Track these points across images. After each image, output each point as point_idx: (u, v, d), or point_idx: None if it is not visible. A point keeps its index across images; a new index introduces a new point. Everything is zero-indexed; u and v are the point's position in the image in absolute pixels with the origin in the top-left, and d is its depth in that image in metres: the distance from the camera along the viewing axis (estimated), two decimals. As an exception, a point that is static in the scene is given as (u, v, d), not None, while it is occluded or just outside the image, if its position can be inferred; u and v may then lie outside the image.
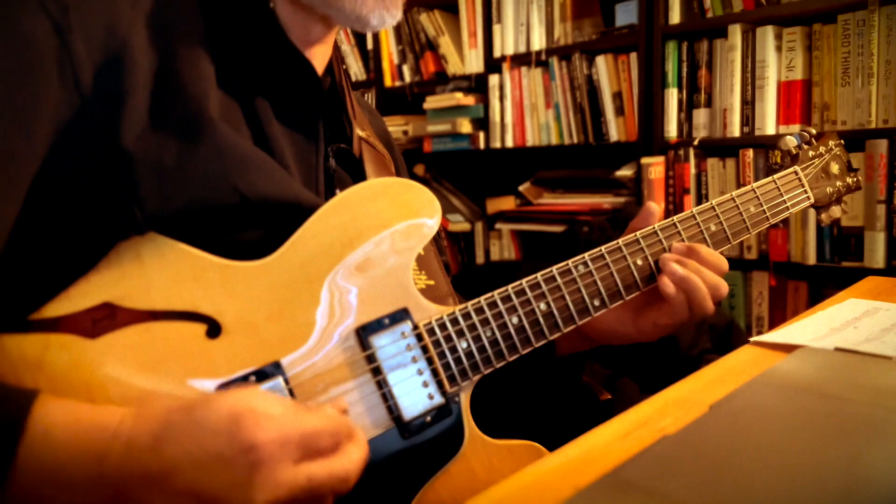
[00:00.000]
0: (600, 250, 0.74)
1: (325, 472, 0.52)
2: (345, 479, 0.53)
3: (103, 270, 0.56)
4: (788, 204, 0.86)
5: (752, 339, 0.75)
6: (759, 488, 0.44)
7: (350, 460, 0.54)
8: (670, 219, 0.77)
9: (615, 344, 0.84)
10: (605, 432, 0.56)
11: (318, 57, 0.73)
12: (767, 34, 1.80)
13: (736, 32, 1.85)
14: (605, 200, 2.19)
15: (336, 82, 0.76)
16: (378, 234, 0.65)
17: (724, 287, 0.76)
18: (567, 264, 0.72)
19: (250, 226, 0.61)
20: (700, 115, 1.97)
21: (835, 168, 0.91)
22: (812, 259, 1.78)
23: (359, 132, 0.78)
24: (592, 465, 0.50)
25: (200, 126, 0.59)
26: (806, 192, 0.88)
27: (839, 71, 1.72)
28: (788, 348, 0.71)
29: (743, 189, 0.82)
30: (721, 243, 0.80)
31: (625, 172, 2.12)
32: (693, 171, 1.97)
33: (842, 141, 0.94)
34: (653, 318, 0.78)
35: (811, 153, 0.90)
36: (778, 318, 1.89)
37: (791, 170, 0.88)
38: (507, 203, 2.50)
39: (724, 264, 0.77)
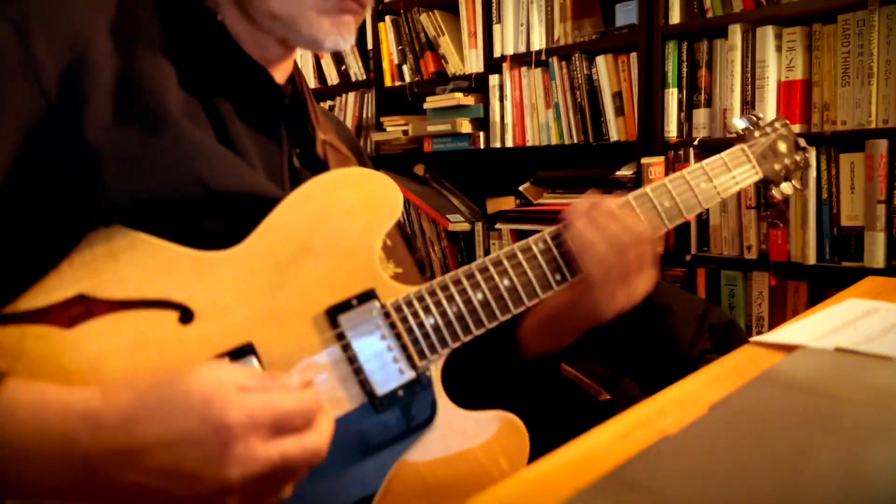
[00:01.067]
0: (558, 228, 0.77)
1: (299, 447, 0.53)
2: (317, 452, 0.55)
3: (76, 263, 0.58)
4: (738, 179, 0.90)
5: (752, 339, 0.75)
6: (759, 488, 0.44)
7: (322, 433, 0.55)
8: (626, 196, 0.80)
9: (572, 328, 0.82)
10: (605, 432, 0.56)
11: (279, 69, 0.75)
12: (767, 34, 1.80)
13: (736, 32, 1.85)
14: (605, 200, 2.19)
15: (298, 90, 0.78)
16: (342, 221, 0.67)
17: (633, 228, 0.74)
18: (528, 242, 0.75)
19: (215, 217, 0.63)
20: (700, 115, 1.97)
21: (782, 146, 0.97)
22: (812, 259, 1.78)
23: (322, 135, 0.80)
24: (592, 465, 0.50)
25: (161, 120, 0.61)
26: (754, 167, 0.93)
27: (839, 71, 1.72)
28: (788, 348, 0.71)
29: (693, 166, 0.86)
30: (675, 217, 0.82)
31: (625, 172, 2.12)
32: (693, 171, 1.97)
33: (787, 121, 0.99)
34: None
35: (757, 133, 0.96)
36: (778, 318, 1.88)
37: (738, 147, 0.92)
38: (507, 203, 2.49)
39: (638, 225, 0.75)
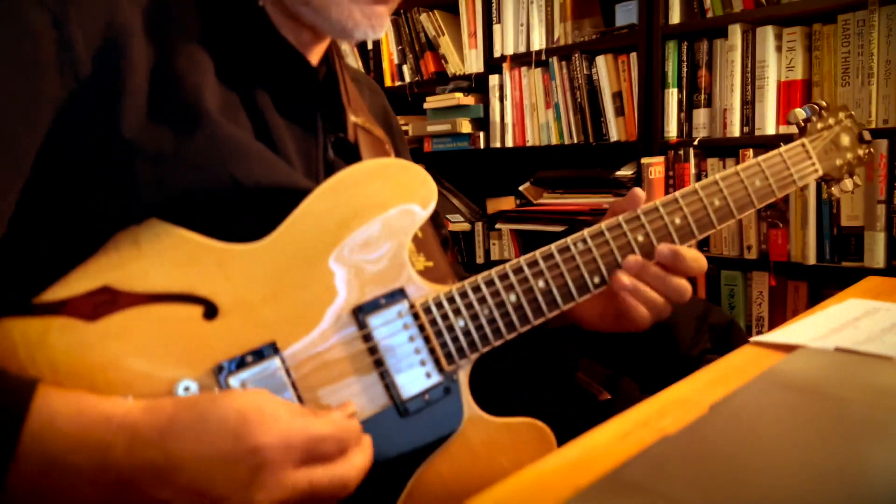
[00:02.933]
0: (600, 227, 0.73)
1: (327, 477, 0.53)
2: (345, 485, 0.54)
3: (101, 256, 0.57)
4: (795, 177, 0.83)
5: (752, 339, 0.75)
6: (759, 488, 0.44)
7: (353, 466, 0.55)
8: (672, 195, 0.76)
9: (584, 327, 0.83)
10: (605, 432, 0.56)
11: (313, 52, 0.74)
12: (767, 34, 1.80)
13: (736, 32, 1.85)
14: (605, 200, 2.19)
15: (332, 70, 0.77)
16: (374, 215, 0.66)
17: (686, 290, 0.74)
18: (566, 241, 0.72)
19: (248, 212, 0.62)
20: (700, 115, 1.97)
21: (845, 140, 0.89)
22: (812, 259, 1.78)
23: (353, 119, 0.78)
24: (592, 465, 0.50)
25: (196, 116, 0.60)
26: (814, 164, 0.85)
27: (839, 71, 1.72)
28: (788, 348, 0.71)
29: (748, 163, 0.80)
30: (725, 218, 0.78)
31: (625, 172, 2.12)
32: (693, 171, 1.97)
33: (852, 112, 0.91)
34: (613, 313, 0.78)
35: (820, 125, 0.88)
36: (778, 318, 1.89)
37: (798, 142, 0.85)
38: (507, 203, 2.50)
39: (701, 262, 0.75)
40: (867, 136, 0.92)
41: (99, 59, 0.58)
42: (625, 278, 0.72)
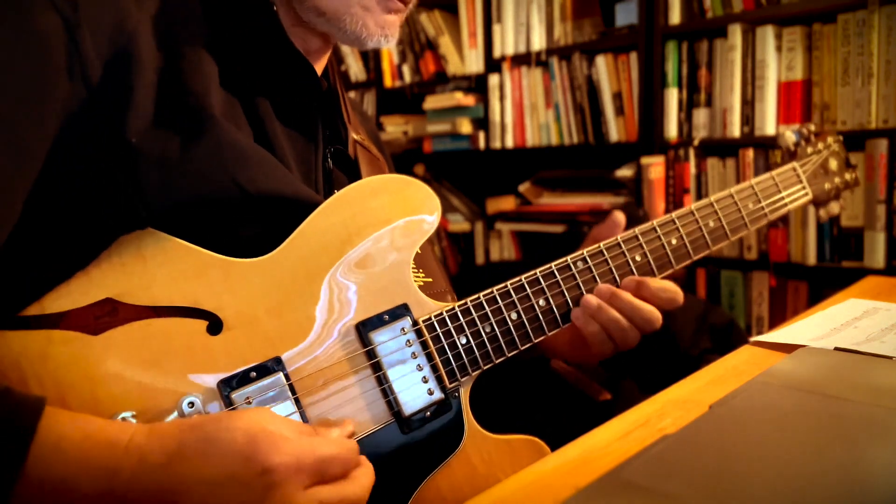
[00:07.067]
0: (599, 247, 0.75)
1: (337, 497, 0.53)
2: (354, 503, 0.54)
3: (104, 266, 0.57)
4: (787, 200, 0.86)
5: (752, 339, 0.75)
6: (759, 488, 0.44)
7: (360, 486, 0.55)
8: (669, 215, 0.78)
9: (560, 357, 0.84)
10: (605, 432, 0.56)
11: (317, 63, 0.75)
12: (767, 34, 1.80)
13: (736, 32, 1.85)
14: (605, 200, 2.19)
15: (332, 86, 0.78)
16: (378, 231, 0.66)
17: (651, 317, 0.74)
18: (566, 261, 0.73)
19: (251, 221, 0.62)
20: (700, 115, 1.97)
21: (833, 164, 0.92)
22: (812, 259, 1.78)
23: (353, 135, 0.80)
24: (592, 465, 0.50)
25: (202, 122, 0.60)
26: (804, 188, 0.88)
27: (839, 71, 1.72)
28: (788, 348, 0.71)
29: (741, 185, 0.83)
30: (719, 239, 0.81)
31: (625, 172, 2.11)
32: (693, 171, 1.97)
33: (840, 137, 0.94)
34: (580, 345, 0.78)
35: (809, 150, 0.91)
36: (778, 318, 1.88)
37: (789, 166, 0.88)
38: (507, 203, 2.49)
39: (671, 294, 0.75)
40: (853, 160, 0.95)
41: (108, 63, 0.58)
42: (592, 299, 0.74)
